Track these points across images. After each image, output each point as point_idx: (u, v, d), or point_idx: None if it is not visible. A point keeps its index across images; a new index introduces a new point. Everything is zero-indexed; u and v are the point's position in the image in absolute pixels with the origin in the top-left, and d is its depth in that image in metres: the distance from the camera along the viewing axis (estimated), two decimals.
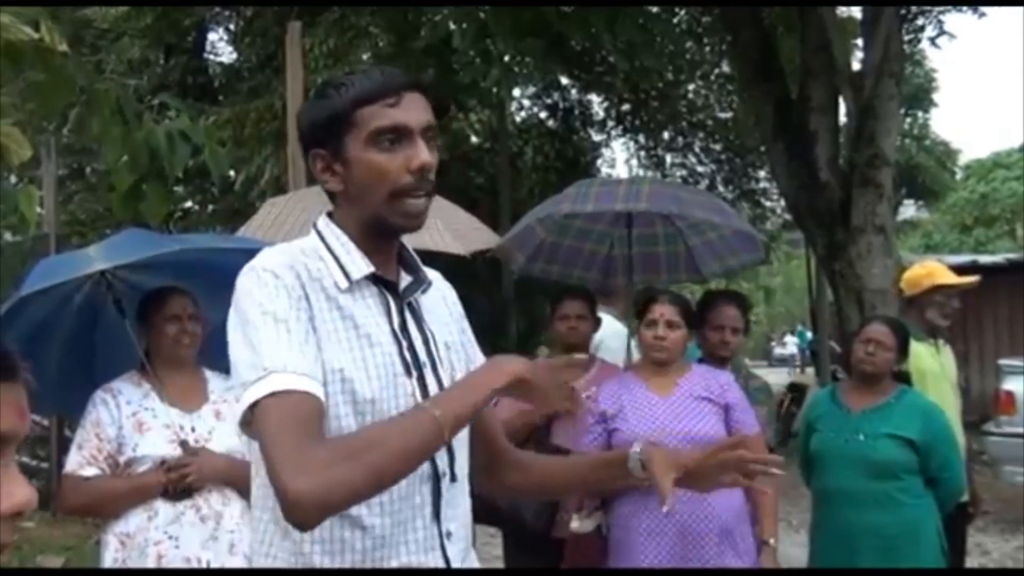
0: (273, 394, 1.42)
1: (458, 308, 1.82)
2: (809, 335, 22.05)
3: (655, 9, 10.42)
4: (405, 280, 1.67)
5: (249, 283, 1.53)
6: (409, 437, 1.42)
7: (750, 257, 4.63)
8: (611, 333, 4.62)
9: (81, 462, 2.90)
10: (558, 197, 4.28)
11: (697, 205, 4.02)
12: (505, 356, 1.59)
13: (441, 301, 1.77)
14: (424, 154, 1.56)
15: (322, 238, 1.62)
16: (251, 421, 1.46)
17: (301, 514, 1.38)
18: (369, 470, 1.39)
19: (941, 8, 11.08)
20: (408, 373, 1.59)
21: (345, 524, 1.50)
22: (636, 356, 4.36)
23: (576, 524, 3.51)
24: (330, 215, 1.67)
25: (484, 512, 2.22)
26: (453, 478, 1.63)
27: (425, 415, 1.43)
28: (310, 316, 1.52)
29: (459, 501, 1.66)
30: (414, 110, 1.57)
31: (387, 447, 1.41)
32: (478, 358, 1.79)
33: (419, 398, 1.57)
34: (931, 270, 4.40)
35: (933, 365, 4.22)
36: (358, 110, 1.55)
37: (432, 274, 1.76)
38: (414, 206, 1.57)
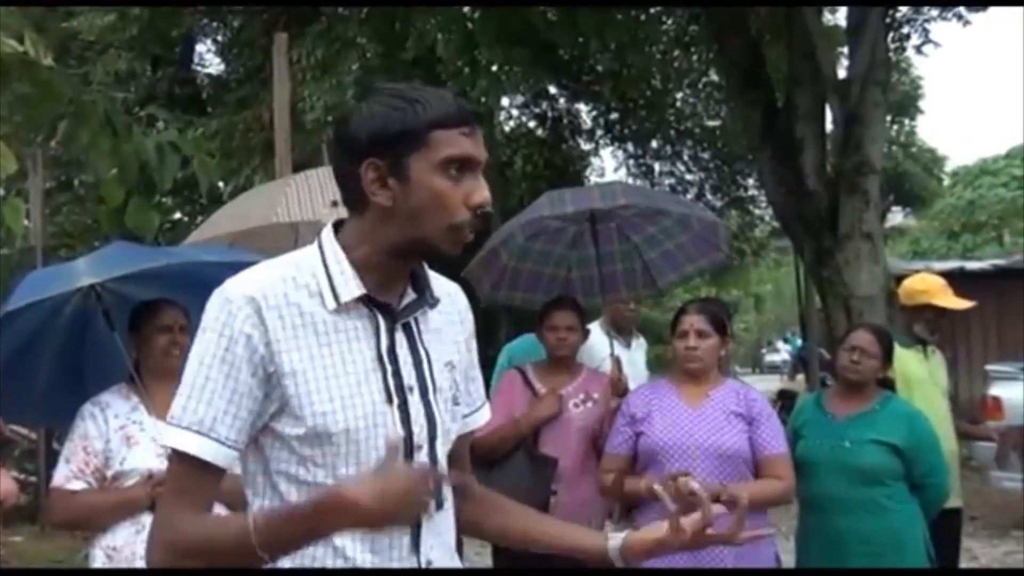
0: (173, 450, 1.55)
1: (470, 324, 1.75)
2: (799, 342, 22.06)
3: (643, 16, 10.46)
4: (408, 298, 1.60)
5: (207, 309, 1.52)
6: (225, 558, 1.47)
7: (708, 262, 4.69)
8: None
9: (68, 476, 2.89)
10: (532, 207, 4.33)
11: (662, 199, 4.06)
12: (345, 491, 1.37)
13: (455, 317, 1.71)
14: (485, 191, 1.53)
15: (322, 254, 1.56)
16: None
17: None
18: (189, 566, 1.50)
19: (926, 16, 11.15)
20: (389, 400, 1.53)
21: (319, 541, 1.48)
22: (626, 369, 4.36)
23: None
24: (336, 227, 1.60)
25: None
26: (439, 505, 1.58)
27: (246, 541, 1.43)
28: (262, 356, 1.48)
29: (443, 528, 1.61)
30: (480, 145, 1.55)
31: (206, 559, 1.49)
32: (475, 378, 1.77)
33: (399, 426, 1.54)
34: (929, 288, 4.38)
35: (919, 371, 4.23)
36: (433, 131, 1.49)
37: (449, 288, 1.71)
38: (465, 239, 1.53)
